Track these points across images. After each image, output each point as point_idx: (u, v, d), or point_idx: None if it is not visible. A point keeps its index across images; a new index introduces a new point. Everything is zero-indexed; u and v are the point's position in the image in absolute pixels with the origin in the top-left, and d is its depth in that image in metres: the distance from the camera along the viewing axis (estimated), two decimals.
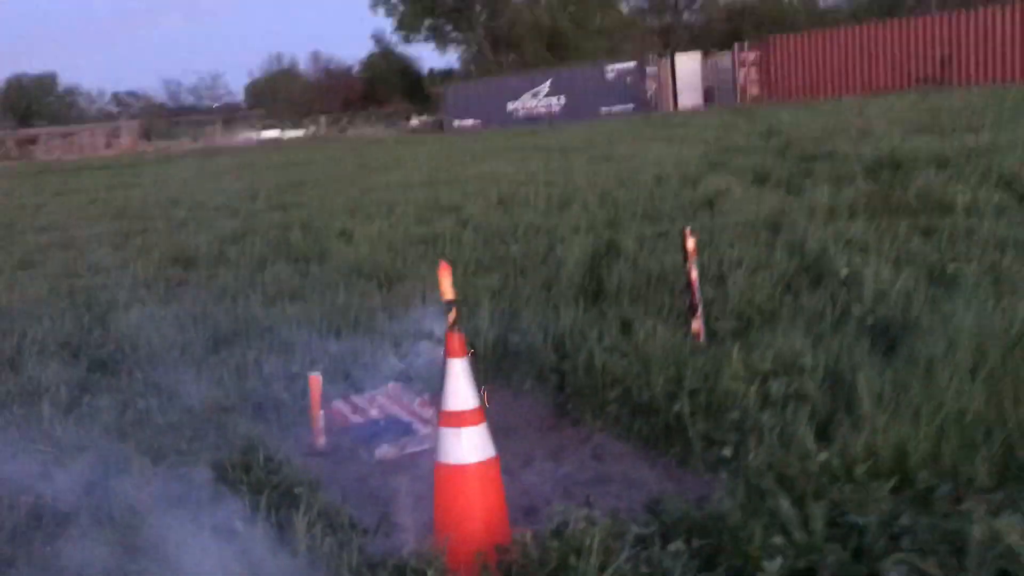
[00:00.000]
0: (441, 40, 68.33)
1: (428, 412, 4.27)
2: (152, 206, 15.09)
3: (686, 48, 46.48)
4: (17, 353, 5.56)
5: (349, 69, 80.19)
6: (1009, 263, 5.28)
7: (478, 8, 65.02)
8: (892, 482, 2.75)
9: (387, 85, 74.22)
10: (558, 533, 2.67)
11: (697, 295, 4.54)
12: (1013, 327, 3.43)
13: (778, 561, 2.45)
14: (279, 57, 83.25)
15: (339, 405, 4.47)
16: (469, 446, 2.85)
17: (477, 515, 2.81)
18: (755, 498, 2.78)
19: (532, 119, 43.17)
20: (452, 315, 2.90)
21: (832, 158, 11.34)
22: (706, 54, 41.95)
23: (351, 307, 5.85)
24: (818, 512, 2.61)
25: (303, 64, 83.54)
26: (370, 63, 77.84)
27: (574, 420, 4.12)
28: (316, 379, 4.08)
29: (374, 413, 4.37)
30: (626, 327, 4.66)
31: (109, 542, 2.70)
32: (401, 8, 65.66)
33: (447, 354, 2.87)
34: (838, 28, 38.35)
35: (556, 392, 4.35)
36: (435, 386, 4.41)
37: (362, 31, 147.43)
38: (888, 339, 4.08)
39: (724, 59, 40.16)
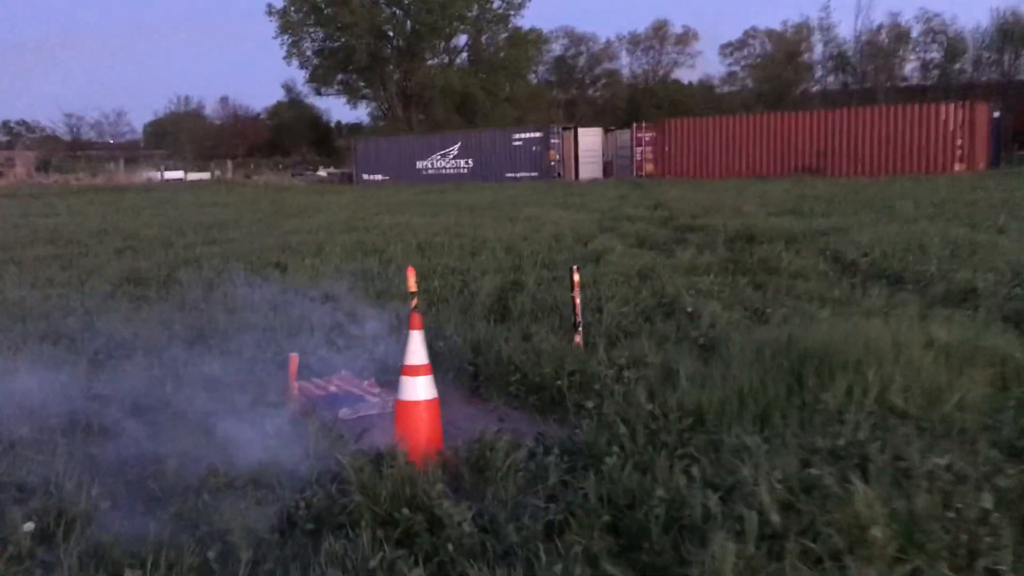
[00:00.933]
0: (353, 95, 69.97)
1: (375, 389, 5.68)
2: (83, 235, 15.93)
3: (589, 122, 49.42)
4: (23, 342, 6.67)
5: (257, 115, 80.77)
6: (813, 308, 7.08)
7: (391, 67, 67.07)
8: (690, 421, 4.33)
9: (294, 134, 74.97)
10: (478, 440, 4.15)
11: (579, 315, 6.13)
12: (782, 338, 5.11)
13: (614, 458, 3.98)
14: (186, 99, 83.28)
15: (304, 384, 5.84)
16: (421, 389, 4.31)
17: (424, 433, 4.27)
18: (603, 428, 4.32)
19: (440, 178, 44.97)
20: (414, 301, 4.38)
21: (704, 230, 13.32)
22: (607, 130, 44.79)
23: (304, 317, 7.19)
24: (641, 432, 4.16)
25: (210, 108, 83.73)
26: (278, 110, 78.56)
27: (484, 398, 5.61)
28: (294, 357, 5.44)
29: (333, 389, 5.76)
30: (526, 336, 6.20)
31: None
32: (315, 61, 67.14)
33: (409, 327, 4.33)
34: (728, 116, 41.72)
35: (471, 380, 5.83)
36: (377, 372, 5.86)
37: (273, 80, 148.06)
38: (710, 350, 5.74)
39: (623, 136, 43.00)
